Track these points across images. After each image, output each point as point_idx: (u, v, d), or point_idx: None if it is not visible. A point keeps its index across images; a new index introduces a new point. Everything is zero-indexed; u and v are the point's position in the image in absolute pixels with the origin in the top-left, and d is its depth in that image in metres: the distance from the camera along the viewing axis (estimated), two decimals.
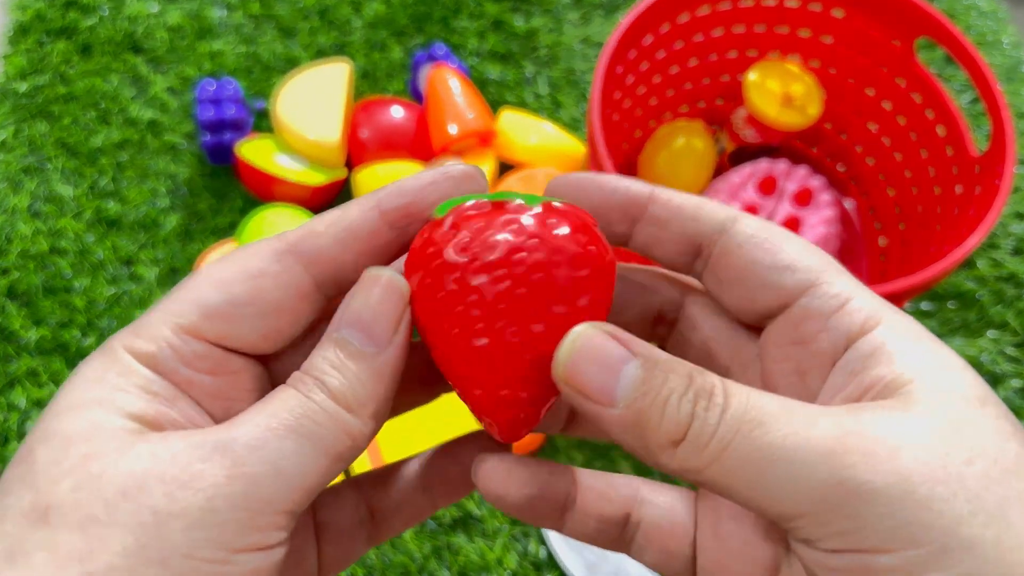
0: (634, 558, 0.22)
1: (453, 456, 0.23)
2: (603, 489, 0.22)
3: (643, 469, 0.50)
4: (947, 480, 0.15)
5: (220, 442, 0.16)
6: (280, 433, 0.17)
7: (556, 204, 0.19)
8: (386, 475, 0.23)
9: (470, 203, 0.19)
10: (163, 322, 0.18)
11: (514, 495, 0.20)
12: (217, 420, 0.19)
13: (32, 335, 0.53)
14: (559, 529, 0.22)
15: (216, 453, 0.16)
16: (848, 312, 0.18)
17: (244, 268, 0.19)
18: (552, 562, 0.47)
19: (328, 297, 0.21)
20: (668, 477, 0.41)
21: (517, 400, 0.19)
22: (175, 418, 0.18)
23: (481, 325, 0.18)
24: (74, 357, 0.53)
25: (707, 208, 0.20)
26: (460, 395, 0.20)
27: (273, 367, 0.21)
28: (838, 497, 0.16)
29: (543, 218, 0.19)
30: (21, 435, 0.50)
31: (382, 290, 0.19)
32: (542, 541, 0.48)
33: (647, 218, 0.21)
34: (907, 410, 0.17)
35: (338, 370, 0.18)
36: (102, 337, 0.53)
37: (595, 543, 0.22)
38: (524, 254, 0.18)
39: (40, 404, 0.51)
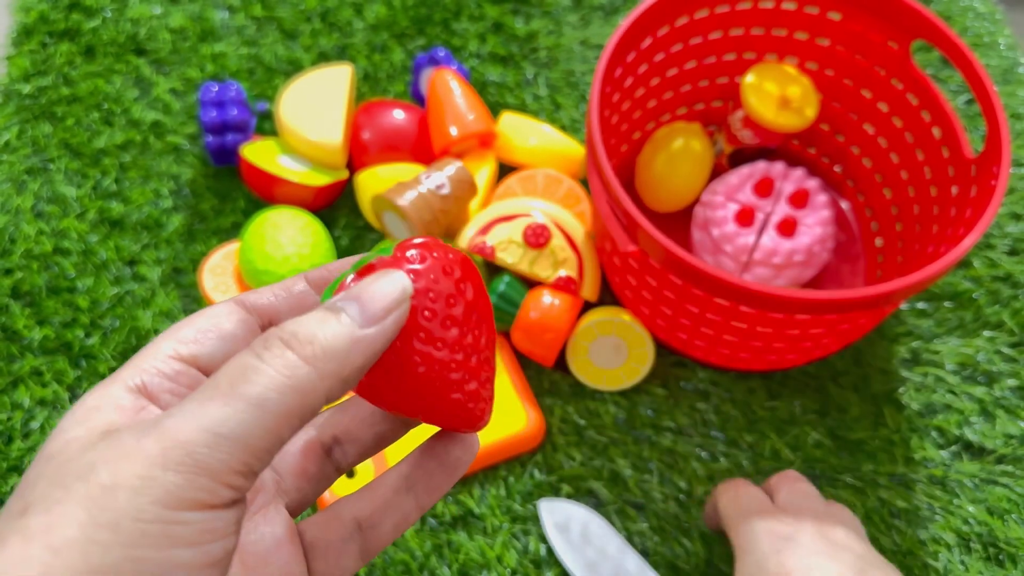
0: None
1: (430, 453, 0.25)
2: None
3: (640, 467, 0.50)
4: None
5: (157, 420, 0.18)
6: (219, 402, 0.18)
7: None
8: (370, 488, 0.25)
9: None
10: (152, 355, 0.21)
11: None
12: None
13: (36, 335, 0.54)
14: None
15: (153, 429, 0.18)
16: None
17: (204, 313, 0.23)
18: (552, 560, 0.48)
19: None
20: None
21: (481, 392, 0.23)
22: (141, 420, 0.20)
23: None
24: (77, 356, 0.53)
25: None
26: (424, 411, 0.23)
27: None
28: None
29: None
30: (25, 434, 0.51)
31: (388, 279, 0.20)
32: (542, 539, 0.48)
33: None
34: None
35: (318, 323, 0.19)
36: (105, 336, 0.54)
37: None
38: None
39: (44, 403, 0.52)
